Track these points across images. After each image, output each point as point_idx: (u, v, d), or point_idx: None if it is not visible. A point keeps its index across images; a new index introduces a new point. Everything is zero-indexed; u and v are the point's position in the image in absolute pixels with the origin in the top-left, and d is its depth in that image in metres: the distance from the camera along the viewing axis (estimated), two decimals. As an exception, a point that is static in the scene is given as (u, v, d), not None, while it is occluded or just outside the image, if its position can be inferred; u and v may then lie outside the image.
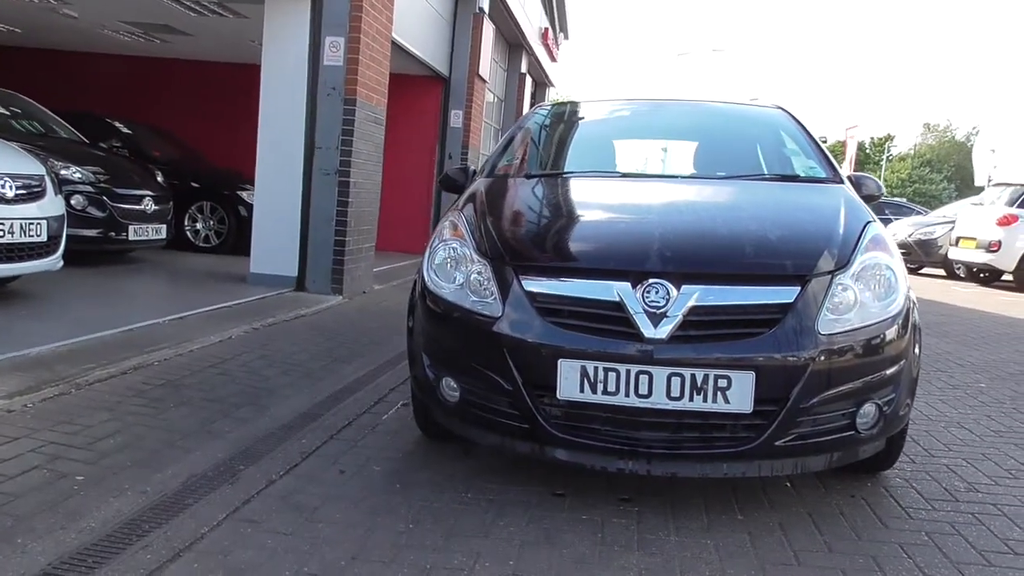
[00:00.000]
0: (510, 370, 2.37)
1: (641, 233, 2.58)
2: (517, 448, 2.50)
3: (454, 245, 2.70)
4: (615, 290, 2.33)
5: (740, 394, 2.24)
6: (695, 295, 2.29)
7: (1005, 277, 12.31)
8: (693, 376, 2.24)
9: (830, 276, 2.38)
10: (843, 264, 2.42)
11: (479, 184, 3.18)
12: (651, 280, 2.32)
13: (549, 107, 4.09)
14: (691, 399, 2.24)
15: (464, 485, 2.64)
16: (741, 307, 2.32)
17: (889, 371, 2.41)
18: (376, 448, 2.99)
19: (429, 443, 3.08)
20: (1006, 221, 11.96)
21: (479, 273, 2.55)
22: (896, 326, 2.43)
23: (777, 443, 2.29)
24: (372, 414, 3.43)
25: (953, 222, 13.37)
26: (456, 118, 10.65)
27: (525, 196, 3.17)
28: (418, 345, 2.74)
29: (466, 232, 2.71)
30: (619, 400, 2.28)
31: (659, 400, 2.26)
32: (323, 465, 2.77)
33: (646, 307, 2.29)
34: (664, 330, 2.27)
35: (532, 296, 2.41)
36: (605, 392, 2.28)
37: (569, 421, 2.36)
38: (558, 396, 2.32)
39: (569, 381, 2.30)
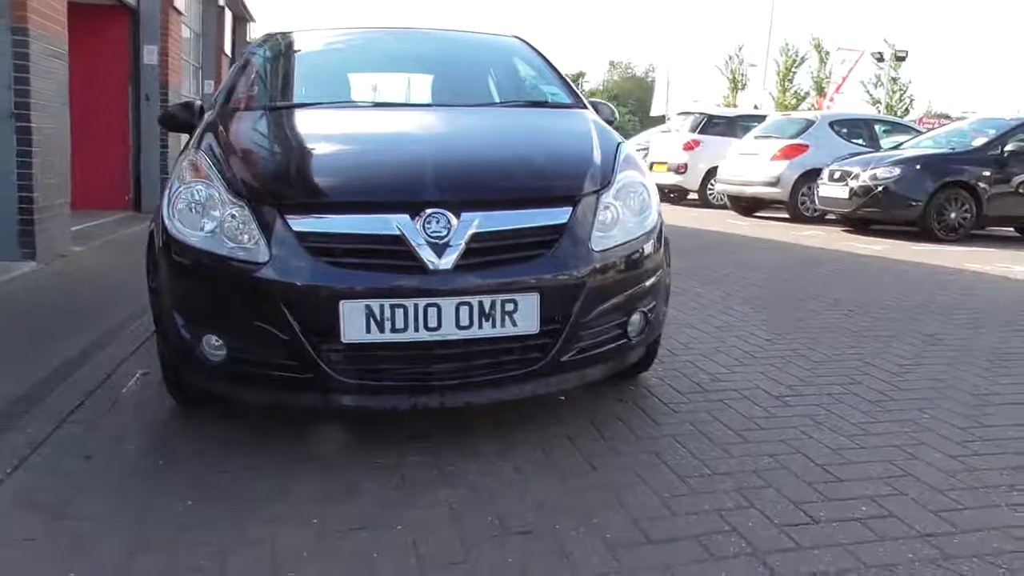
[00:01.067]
0: (285, 319, 2.17)
1: (412, 163, 2.46)
2: (297, 401, 2.32)
3: (198, 188, 2.39)
4: (394, 223, 2.21)
5: (527, 316, 2.25)
6: (475, 222, 2.25)
7: (691, 196, 13.90)
8: (481, 303, 2.21)
9: (596, 195, 2.46)
10: (606, 183, 2.51)
11: (215, 119, 2.84)
12: (430, 210, 2.23)
13: (278, 36, 3.75)
14: (480, 326, 2.22)
15: (239, 450, 2.41)
16: (520, 231, 2.32)
17: (649, 281, 2.57)
18: (122, 425, 2.62)
19: (184, 412, 2.76)
20: (690, 146, 13.46)
21: (234, 216, 2.28)
22: (653, 240, 2.59)
23: (563, 359, 2.35)
24: (107, 389, 3.00)
25: (647, 149, 14.75)
26: (150, 54, 9.52)
27: (278, 130, 2.89)
28: (166, 305, 2.42)
29: (211, 172, 2.41)
30: (408, 336, 2.19)
31: (449, 331, 2.20)
32: (61, 454, 2.37)
33: (428, 238, 2.20)
34: (449, 260, 2.20)
35: (302, 236, 2.21)
36: (393, 330, 2.17)
37: (356, 365, 2.23)
38: (343, 340, 2.17)
39: (353, 323, 2.16)
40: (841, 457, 2.36)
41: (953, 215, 8.94)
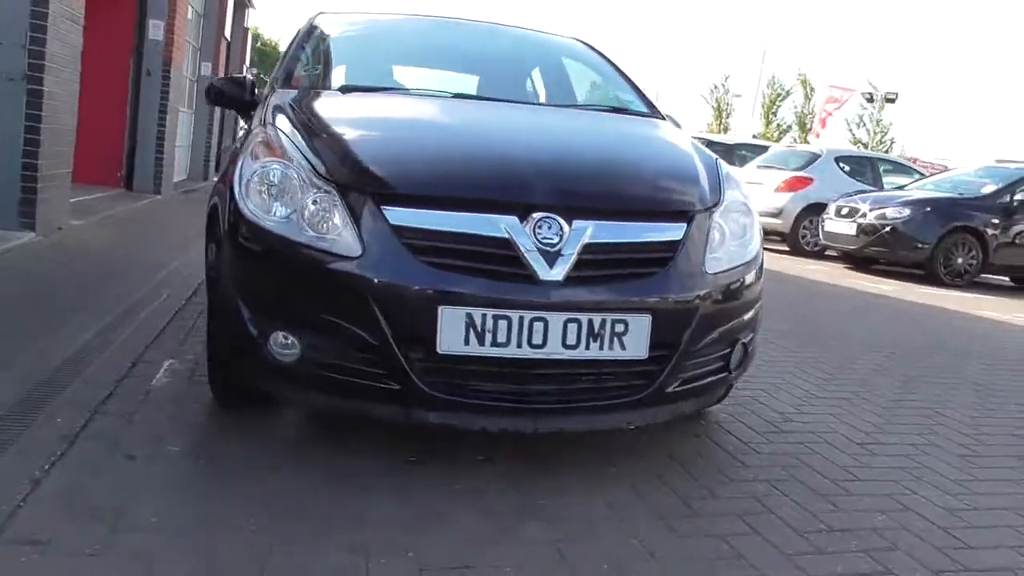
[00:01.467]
0: (375, 321, 1.95)
1: (520, 161, 2.25)
2: (376, 412, 2.09)
3: (275, 167, 2.15)
4: (502, 225, 2.00)
5: (636, 339, 2.05)
6: (588, 231, 2.04)
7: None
8: (591, 321, 2.00)
9: (708, 213, 2.27)
10: (716, 201, 2.32)
11: (287, 97, 2.61)
12: (540, 214, 2.02)
13: (334, 17, 3.51)
14: (587, 347, 2.01)
15: (301, 460, 2.18)
16: (634, 245, 2.13)
17: (751, 312, 2.39)
18: (161, 422, 2.37)
19: (222, 411, 2.52)
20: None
21: (317, 202, 2.06)
22: (757, 267, 2.41)
23: (667, 390, 2.16)
24: (136, 378, 2.74)
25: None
26: (156, 29, 9.19)
27: (363, 113, 2.64)
28: (229, 294, 2.18)
29: (292, 152, 2.18)
30: (509, 352, 1.97)
31: (554, 350, 1.99)
32: (101, 450, 2.12)
33: (539, 244, 2.00)
34: (560, 271, 1.99)
35: (399, 231, 1.99)
36: (494, 344, 1.96)
37: (448, 378, 2.00)
38: (438, 350, 1.95)
39: (451, 332, 1.94)
40: (961, 520, 2.17)
41: (960, 260, 8.92)
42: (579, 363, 2.04)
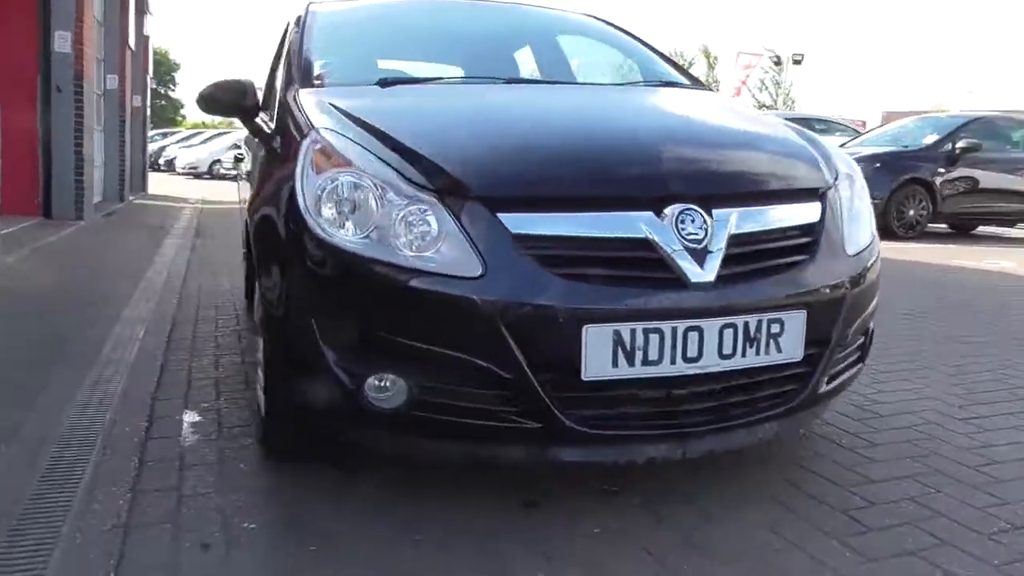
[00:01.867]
0: (507, 350, 1.63)
1: (640, 148, 1.94)
2: (505, 455, 1.77)
3: (348, 179, 1.80)
4: (640, 224, 1.71)
5: (792, 339, 1.80)
6: (731, 221, 1.77)
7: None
8: (747, 325, 1.73)
9: (834, 189, 2.03)
10: (836, 176, 2.08)
11: (321, 96, 2.24)
12: (678, 207, 1.74)
13: (334, 6, 3.11)
14: (743, 354, 1.74)
15: (397, 522, 1.84)
16: (777, 232, 1.87)
17: (878, 295, 2.16)
18: (215, 494, 1.99)
19: (279, 468, 2.16)
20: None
21: (413, 214, 1.72)
22: (877, 243, 2.18)
23: (820, 391, 1.91)
24: (159, 440, 2.35)
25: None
26: (63, 41, 8.43)
27: (433, 107, 2.29)
28: (306, 334, 1.80)
29: (366, 159, 1.82)
30: (661, 370, 1.69)
31: (710, 362, 1.72)
32: (166, 541, 1.74)
33: (685, 242, 1.71)
34: (711, 270, 1.72)
35: (524, 241, 1.67)
36: (645, 362, 1.67)
37: (593, 408, 1.71)
38: (583, 377, 1.65)
39: (598, 354, 1.64)
40: None
41: (911, 212, 9.05)
42: (734, 374, 1.77)
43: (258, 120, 2.58)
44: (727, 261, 1.74)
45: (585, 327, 1.63)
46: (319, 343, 1.77)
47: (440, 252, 1.68)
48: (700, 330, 1.69)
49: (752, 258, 1.79)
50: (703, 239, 1.72)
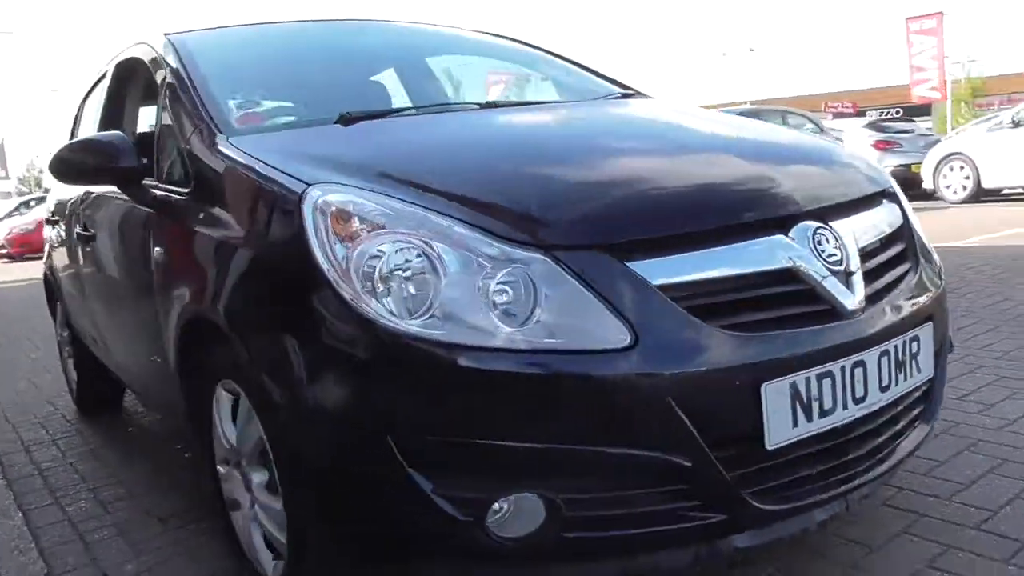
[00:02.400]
0: (686, 431, 1.28)
1: (736, 164, 1.66)
2: (667, 563, 1.41)
3: (406, 246, 1.35)
4: (778, 251, 1.43)
5: (926, 355, 1.62)
6: (852, 234, 1.55)
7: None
8: (896, 349, 1.52)
9: (892, 187, 1.89)
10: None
11: (271, 143, 1.74)
12: (809, 225, 1.48)
13: (207, 35, 2.49)
14: (896, 382, 1.53)
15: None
16: (886, 239, 1.68)
17: None
18: None
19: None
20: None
21: (514, 277, 1.31)
22: None
23: (935, 404, 1.75)
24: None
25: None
26: None
27: (450, 144, 1.83)
28: (393, 464, 1.31)
29: (414, 214, 1.38)
30: (835, 419, 1.42)
31: (873, 398, 1.48)
32: None
33: (828, 265, 1.46)
34: (860, 293, 1.48)
35: (668, 292, 1.33)
36: (822, 414, 1.40)
37: (777, 481, 1.40)
38: (767, 446, 1.35)
39: (779, 415, 1.35)
40: None
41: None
42: (887, 407, 1.55)
43: (147, 185, 2.03)
44: (865, 280, 1.52)
45: (764, 385, 1.33)
46: (406, 472, 1.31)
47: (562, 322, 1.30)
48: (864, 364, 1.45)
49: (878, 272, 1.59)
50: (841, 259, 1.48)
